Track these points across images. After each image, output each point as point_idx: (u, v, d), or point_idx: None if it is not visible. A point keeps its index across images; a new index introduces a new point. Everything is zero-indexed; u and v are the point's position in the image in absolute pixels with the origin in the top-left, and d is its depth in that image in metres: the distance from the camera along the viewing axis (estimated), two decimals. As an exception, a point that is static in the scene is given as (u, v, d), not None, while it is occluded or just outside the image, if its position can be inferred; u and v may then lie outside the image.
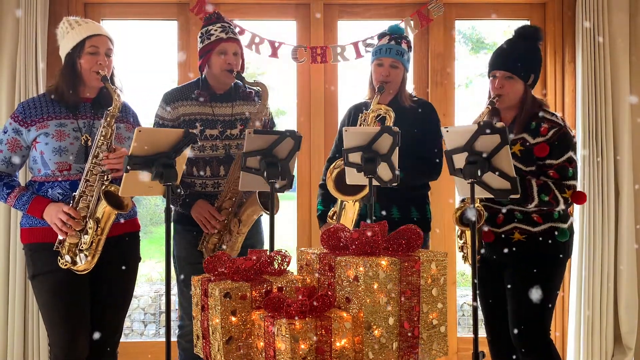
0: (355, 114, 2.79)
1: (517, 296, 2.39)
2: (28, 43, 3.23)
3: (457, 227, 2.51)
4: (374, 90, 2.69)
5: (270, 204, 2.24)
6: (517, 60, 2.39)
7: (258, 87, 2.59)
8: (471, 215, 2.05)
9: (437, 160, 2.68)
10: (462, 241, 2.52)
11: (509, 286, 2.43)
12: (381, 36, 2.73)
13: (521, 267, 2.39)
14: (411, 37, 3.51)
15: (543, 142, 2.33)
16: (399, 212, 2.66)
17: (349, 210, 2.57)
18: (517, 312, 2.40)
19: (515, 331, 2.40)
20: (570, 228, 2.46)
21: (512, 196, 2.04)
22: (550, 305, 2.41)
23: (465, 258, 2.53)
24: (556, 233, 2.38)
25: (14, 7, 3.25)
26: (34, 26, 3.23)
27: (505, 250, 2.41)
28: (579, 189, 2.43)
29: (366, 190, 2.41)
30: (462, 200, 2.50)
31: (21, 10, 3.23)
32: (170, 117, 2.60)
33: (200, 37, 2.62)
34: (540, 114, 2.40)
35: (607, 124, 3.37)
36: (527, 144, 2.36)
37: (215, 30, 2.55)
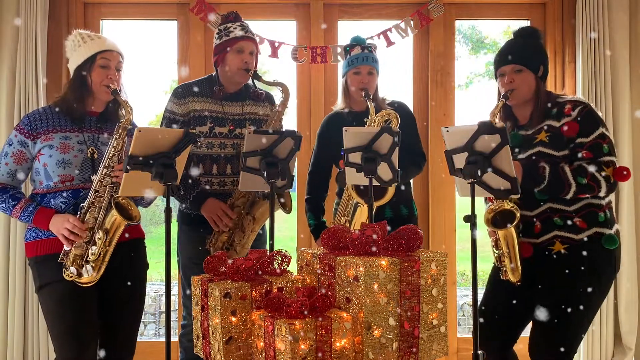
0: (335, 124, 2.81)
1: (548, 318, 2.16)
2: (28, 43, 3.23)
3: (489, 234, 2.29)
4: (349, 99, 2.77)
5: (270, 205, 2.24)
6: (523, 52, 2.29)
7: (279, 87, 2.59)
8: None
9: (422, 151, 2.86)
10: (498, 252, 2.24)
11: (540, 305, 2.20)
12: (351, 47, 2.77)
13: (561, 284, 2.16)
14: (411, 37, 3.52)
15: (570, 121, 2.18)
16: (391, 211, 2.72)
17: (363, 216, 2.57)
18: (552, 336, 2.17)
19: (544, 353, 2.20)
20: (618, 234, 2.22)
21: (512, 195, 2.01)
22: (584, 331, 2.20)
23: (504, 273, 2.24)
24: (603, 240, 2.16)
25: (14, 8, 3.25)
26: (33, 26, 3.23)
27: (543, 266, 2.20)
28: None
29: (389, 195, 2.45)
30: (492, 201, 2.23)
31: (21, 10, 3.23)
32: (181, 111, 2.61)
33: (218, 33, 2.61)
34: (558, 100, 2.28)
35: (607, 125, 3.36)
36: (553, 128, 2.21)
37: (235, 28, 2.56)
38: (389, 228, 1.90)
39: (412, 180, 2.97)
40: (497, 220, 2.16)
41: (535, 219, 2.23)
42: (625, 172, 2.12)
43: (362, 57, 2.71)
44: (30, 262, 2.33)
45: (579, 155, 2.16)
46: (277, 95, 2.81)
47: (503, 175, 1.98)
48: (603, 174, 2.11)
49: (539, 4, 3.61)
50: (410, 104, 3.10)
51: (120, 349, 2.37)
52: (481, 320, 2.31)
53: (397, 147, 2.18)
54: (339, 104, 2.86)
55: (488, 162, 1.97)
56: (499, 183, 2.00)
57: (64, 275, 2.19)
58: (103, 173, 2.19)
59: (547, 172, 2.13)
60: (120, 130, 2.22)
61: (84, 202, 2.21)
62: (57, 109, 2.32)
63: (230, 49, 2.54)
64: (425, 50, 3.61)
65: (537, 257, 2.22)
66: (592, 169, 2.11)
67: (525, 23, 3.62)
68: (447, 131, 2.08)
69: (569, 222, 2.17)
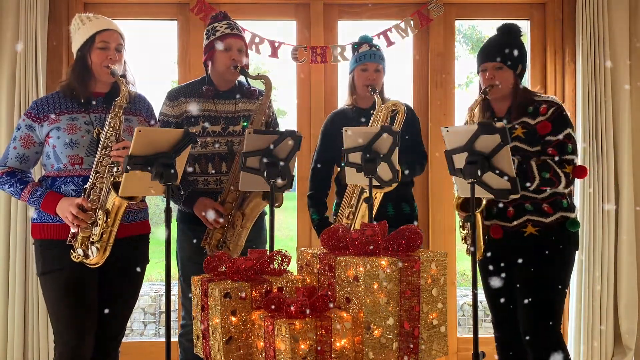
0: (339, 121, 2.81)
1: (529, 293, 2.39)
2: (28, 43, 3.23)
3: (458, 217, 2.52)
4: (355, 96, 2.81)
5: (270, 205, 2.24)
6: (504, 51, 2.47)
7: (262, 80, 2.61)
8: (474, 233, 2.05)
9: (424, 151, 2.88)
10: (464, 232, 2.50)
11: (520, 282, 2.43)
12: (359, 45, 2.83)
13: (533, 263, 2.39)
14: (411, 37, 3.52)
15: (544, 120, 2.40)
16: (394, 209, 2.74)
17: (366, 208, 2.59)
18: (530, 309, 2.39)
19: (527, 327, 2.40)
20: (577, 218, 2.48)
21: (513, 195, 2.04)
22: (562, 301, 2.44)
23: (468, 250, 2.45)
24: (567, 224, 2.41)
25: (14, 6, 3.25)
26: (33, 26, 3.23)
27: (516, 246, 2.42)
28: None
29: None
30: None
31: (21, 10, 3.23)
32: (174, 113, 2.62)
33: (206, 33, 2.64)
34: (535, 98, 2.48)
35: (607, 125, 3.37)
36: (529, 125, 2.42)
37: (221, 26, 2.58)
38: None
39: (422, 179, 3.00)
40: (465, 205, 2.44)
41: (508, 205, 2.45)
42: (582, 171, 2.40)
43: (369, 54, 2.75)
44: (35, 243, 2.34)
45: (547, 151, 2.38)
46: (276, 94, 2.81)
47: (503, 175, 1.98)
48: (564, 170, 2.35)
49: (539, 4, 3.61)
50: (410, 104, 3.10)
51: (110, 333, 2.39)
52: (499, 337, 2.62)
53: (397, 147, 2.19)
54: (345, 101, 2.88)
55: (488, 162, 1.97)
56: (499, 183, 2.00)
57: (72, 257, 2.21)
58: (102, 153, 2.21)
59: (515, 165, 2.32)
60: (116, 109, 2.23)
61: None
62: (63, 93, 2.33)
63: (218, 48, 2.56)
64: (425, 50, 3.61)
65: (510, 239, 2.44)
66: (555, 165, 2.35)
67: (526, 23, 3.62)
68: (447, 131, 2.09)
69: (538, 208, 2.41)
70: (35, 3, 3.23)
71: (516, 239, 2.43)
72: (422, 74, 3.62)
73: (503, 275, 2.49)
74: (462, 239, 2.53)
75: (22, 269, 3.24)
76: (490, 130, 1.95)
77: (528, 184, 2.34)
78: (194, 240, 2.61)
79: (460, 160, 2.04)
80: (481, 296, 2.85)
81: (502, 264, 2.48)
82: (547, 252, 2.39)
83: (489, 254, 2.48)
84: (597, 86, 3.37)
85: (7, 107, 3.24)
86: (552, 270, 2.39)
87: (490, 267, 2.52)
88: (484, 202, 2.38)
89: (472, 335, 2.01)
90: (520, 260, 2.42)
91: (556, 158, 2.36)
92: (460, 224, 2.53)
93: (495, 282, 2.53)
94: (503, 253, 2.46)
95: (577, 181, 3.34)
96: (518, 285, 2.44)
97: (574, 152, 2.40)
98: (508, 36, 2.51)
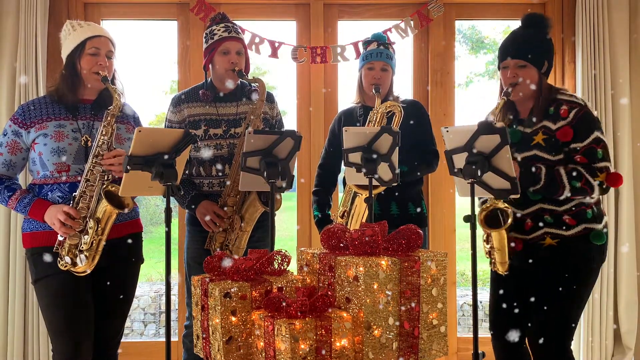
0: (346, 119, 2.84)
1: (545, 307, 2.24)
2: (28, 43, 3.23)
3: (483, 230, 2.34)
4: (363, 94, 2.80)
5: (270, 205, 2.23)
6: (529, 47, 2.26)
7: (256, 83, 2.60)
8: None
9: (435, 149, 2.79)
10: (488, 246, 2.32)
11: (536, 296, 2.29)
12: (368, 43, 2.80)
13: (552, 276, 2.24)
14: (411, 37, 3.52)
15: (565, 125, 2.19)
16: (398, 209, 2.71)
17: (361, 207, 2.58)
18: (544, 324, 2.26)
19: (540, 342, 2.25)
20: (606, 226, 2.30)
21: (512, 195, 2.02)
22: (576, 317, 2.27)
23: (493, 264, 2.35)
24: (591, 236, 2.22)
25: (14, 7, 3.25)
26: (33, 26, 3.23)
27: (534, 258, 2.26)
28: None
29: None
30: (484, 202, 2.30)
31: (21, 10, 3.24)
32: (177, 119, 2.64)
33: (204, 37, 2.64)
34: (558, 97, 2.27)
35: (607, 125, 3.37)
36: (550, 131, 2.23)
37: (219, 30, 2.58)
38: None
39: (424, 179, 2.95)
40: (490, 218, 2.24)
41: (526, 217, 2.28)
42: (617, 179, 2.17)
43: (376, 52, 2.72)
44: (26, 253, 2.33)
45: (575, 159, 2.20)
46: (276, 94, 2.81)
47: (503, 175, 1.98)
48: (597, 180, 2.16)
49: (539, 4, 3.61)
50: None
51: (108, 334, 2.38)
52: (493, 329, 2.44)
53: (397, 147, 2.19)
54: (354, 99, 2.88)
55: (488, 162, 1.97)
56: (499, 183, 2.00)
57: (59, 265, 2.19)
58: (93, 161, 2.19)
59: (543, 174, 2.18)
60: (109, 118, 2.21)
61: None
62: (51, 98, 2.31)
63: (216, 51, 2.56)
64: (425, 50, 3.61)
65: (529, 250, 2.28)
66: (586, 174, 2.16)
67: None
68: (447, 131, 2.08)
69: (559, 220, 2.24)
70: (35, 4, 3.23)
71: (535, 249, 2.27)
72: (422, 74, 3.62)
73: (520, 289, 2.36)
74: (486, 254, 2.35)
75: (22, 275, 3.24)
76: (490, 130, 1.95)
77: (557, 195, 2.17)
78: (200, 241, 2.61)
79: (460, 160, 2.04)
80: (481, 296, 2.85)
81: (522, 277, 2.34)
82: (565, 265, 2.22)
83: (510, 265, 2.30)
84: (597, 86, 3.37)
85: (7, 107, 3.24)
86: (569, 285, 2.21)
87: (509, 281, 2.36)
88: (510, 215, 2.19)
89: (472, 335, 2.01)
90: (538, 273, 2.28)
91: (586, 166, 2.16)
92: (484, 237, 2.34)
93: (510, 296, 2.38)
94: (524, 265, 2.30)
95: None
96: (533, 299, 2.30)
97: (605, 157, 2.18)
98: (533, 29, 2.29)
